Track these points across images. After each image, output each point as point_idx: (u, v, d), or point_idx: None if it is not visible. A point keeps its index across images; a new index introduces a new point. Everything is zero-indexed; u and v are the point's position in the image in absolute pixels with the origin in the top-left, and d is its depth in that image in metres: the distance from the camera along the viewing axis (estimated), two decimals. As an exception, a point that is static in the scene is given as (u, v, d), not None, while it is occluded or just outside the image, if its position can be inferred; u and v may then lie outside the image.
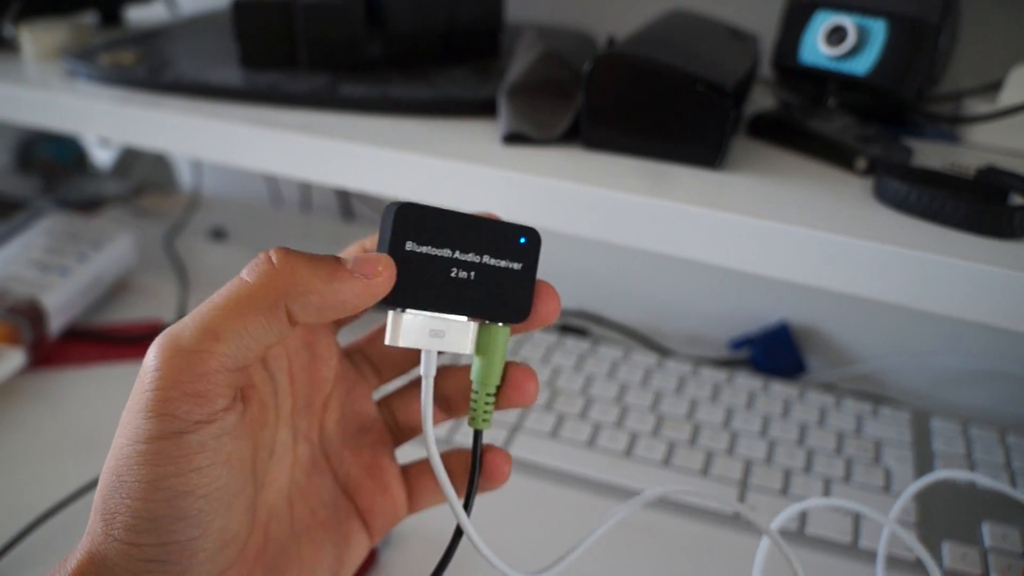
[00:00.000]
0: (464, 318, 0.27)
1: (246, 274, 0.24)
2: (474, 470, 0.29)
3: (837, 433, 0.55)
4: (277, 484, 0.29)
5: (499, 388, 0.30)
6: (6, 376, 0.56)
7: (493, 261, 0.27)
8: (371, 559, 0.45)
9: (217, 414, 0.23)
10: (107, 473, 0.24)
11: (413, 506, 0.33)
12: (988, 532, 0.47)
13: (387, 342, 0.26)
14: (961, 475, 0.44)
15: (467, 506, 0.29)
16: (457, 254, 0.26)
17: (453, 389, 0.32)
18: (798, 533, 0.47)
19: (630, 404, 0.57)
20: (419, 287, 0.26)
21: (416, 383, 0.34)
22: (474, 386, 0.29)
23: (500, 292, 0.27)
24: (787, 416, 0.57)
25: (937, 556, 0.46)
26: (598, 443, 0.54)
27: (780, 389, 0.60)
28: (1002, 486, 0.46)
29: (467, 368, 0.31)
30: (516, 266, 0.28)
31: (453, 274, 0.26)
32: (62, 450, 0.53)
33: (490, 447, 0.31)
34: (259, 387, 0.28)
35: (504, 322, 0.28)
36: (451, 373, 0.32)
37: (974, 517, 0.49)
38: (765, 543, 0.39)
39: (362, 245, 0.30)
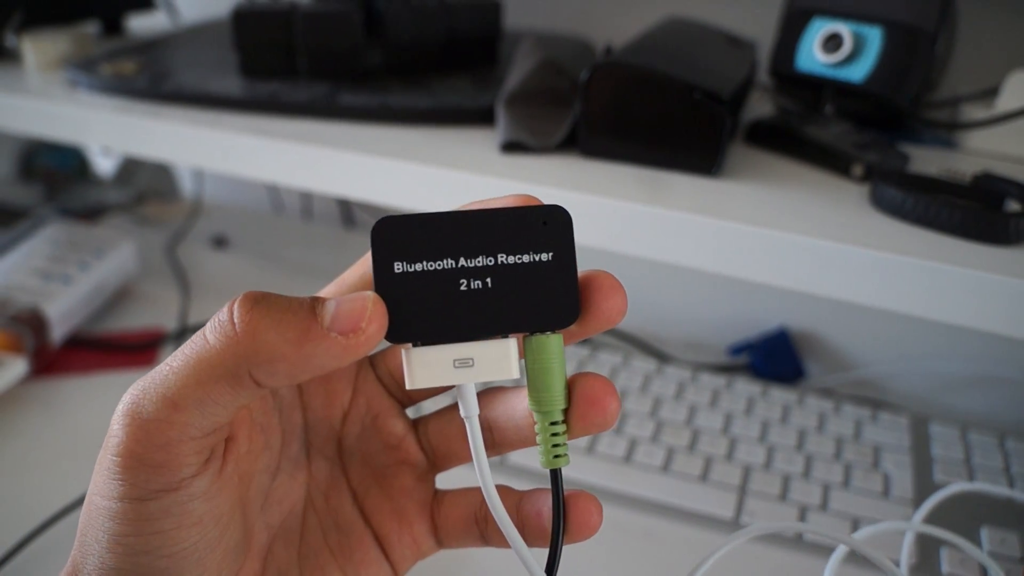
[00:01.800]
0: (494, 338, 0.22)
1: (209, 333, 0.21)
2: (557, 521, 0.24)
3: (836, 438, 0.56)
4: (287, 503, 0.27)
5: (567, 411, 0.23)
6: (8, 384, 0.56)
7: (512, 258, 0.22)
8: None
9: (182, 482, 0.21)
10: (84, 512, 0.23)
11: (443, 541, 0.28)
12: (987, 537, 0.47)
13: (407, 386, 0.22)
14: (980, 487, 0.44)
15: (551, 570, 0.24)
16: (462, 262, 0.21)
17: (505, 417, 0.26)
18: (797, 539, 0.47)
19: (629, 410, 0.58)
20: (424, 315, 0.21)
21: (453, 404, 0.28)
22: (535, 417, 0.23)
23: (534, 294, 0.22)
24: (786, 422, 0.57)
25: (935, 561, 0.46)
26: (597, 449, 0.54)
27: (779, 395, 0.60)
28: (1002, 490, 0.46)
29: (520, 389, 0.25)
30: (545, 256, 0.22)
31: (464, 287, 0.21)
32: (64, 458, 0.53)
33: (576, 493, 0.24)
34: (253, 409, 0.26)
35: (550, 329, 0.22)
36: (500, 398, 0.26)
37: (973, 522, 0.49)
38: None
39: (342, 281, 0.26)
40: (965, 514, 0.49)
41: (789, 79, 0.51)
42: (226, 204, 0.96)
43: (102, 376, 0.61)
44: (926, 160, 0.49)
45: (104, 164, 0.95)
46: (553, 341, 0.22)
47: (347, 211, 0.95)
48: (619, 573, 0.46)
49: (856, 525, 0.48)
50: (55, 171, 0.91)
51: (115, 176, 0.94)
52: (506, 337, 0.22)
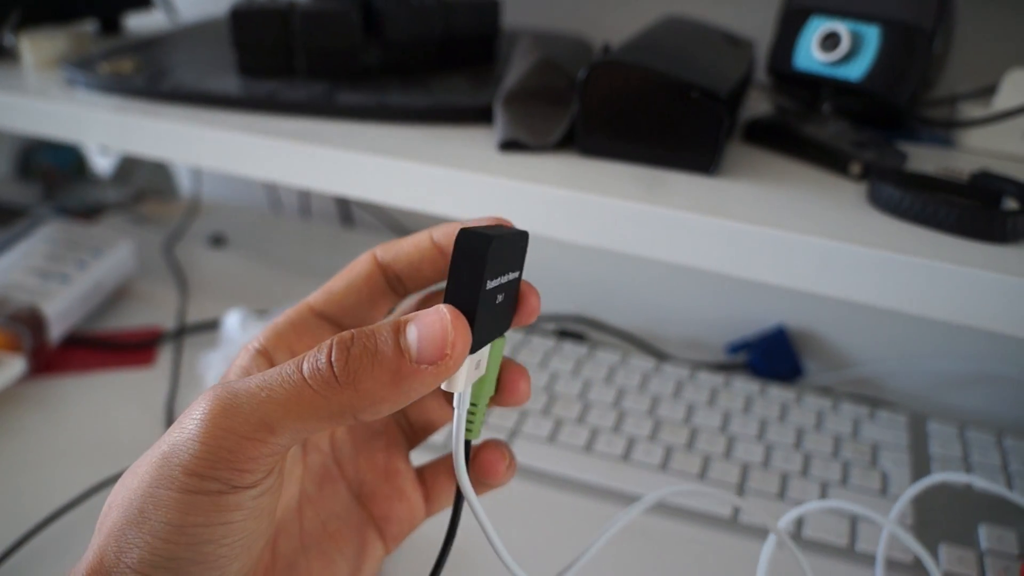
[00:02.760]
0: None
1: (308, 375, 0.22)
2: (459, 490, 0.28)
3: (834, 436, 0.56)
4: (286, 497, 0.29)
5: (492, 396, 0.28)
6: (6, 383, 0.56)
7: (512, 275, 0.25)
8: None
9: (260, 482, 0.23)
10: (128, 505, 0.23)
11: (431, 508, 0.32)
12: (985, 534, 0.48)
13: (447, 388, 0.24)
14: (958, 477, 0.45)
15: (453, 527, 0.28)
16: (508, 276, 0.25)
17: (418, 412, 0.32)
18: (795, 535, 0.48)
19: (628, 408, 0.58)
20: (484, 327, 0.24)
21: None
22: (472, 398, 0.27)
23: (509, 302, 0.26)
24: (784, 420, 0.57)
25: (934, 558, 0.46)
26: (596, 448, 0.54)
27: (777, 393, 0.60)
28: (999, 488, 0.46)
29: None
30: (516, 274, 0.26)
31: (498, 300, 0.25)
32: (62, 457, 0.53)
33: (488, 444, 0.30)
34: None
35: (503, 331, 0.27)
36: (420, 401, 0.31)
37: (971, 519, 0.49)
38: (770, 542, 0.39)
39: (329, 291, 0.29)
40: (963, 512, 0.49)
41: (787, 78, 0.51)
42: (224, 203, 0.96)
43: (100, 375, 0.61)
44: (924, 158, 0.49)
45: (102, 163, 0.95)
46: (503, 342, 0.27)
47: (345, 210, 0.95)
48: (616, 571, 0.46)
49: (854, 523, 0.48)
50: (53, 170, 0.91)
51: (113, 175, 0.94)
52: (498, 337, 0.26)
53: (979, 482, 0.46)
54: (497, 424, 0.56)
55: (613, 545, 0.47)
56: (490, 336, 0.25)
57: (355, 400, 0.22)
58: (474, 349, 0.24)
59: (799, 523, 0.48)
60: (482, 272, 0.23)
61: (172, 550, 0.22)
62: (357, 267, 0.30)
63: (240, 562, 0.23)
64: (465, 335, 0.23)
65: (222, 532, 0.22)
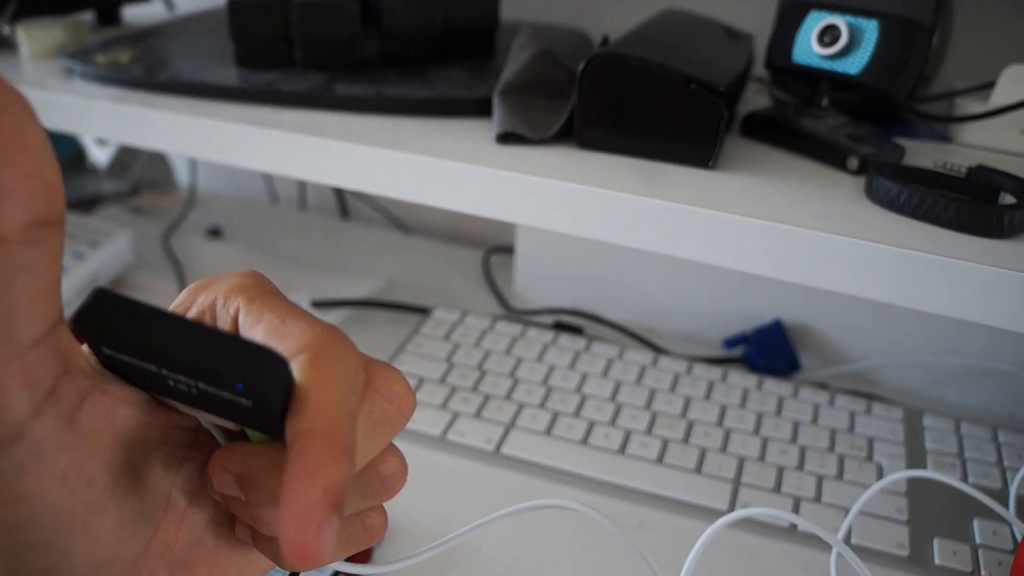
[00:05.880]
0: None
1: None
2: None
3: (830, 431, 0.56)
4: (199, 467, 0.25)
5: None
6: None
7: (211, 389, 0.20)
8: (366, 558, 0.45)
9: (23, 426, 0.19)
10: None
11: None
12: (979, 529, 0.48)
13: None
14: (921, 474, 0.45)
15: None
16: (164, 371, 0.20)
17: None
18: (791, 530, 0.48)
19: (624, 402, 0.58)
20: (141, 384, 0.22)
21: None
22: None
23: (238, 415, 0.21)
24: (780, 414, 0.57)
25: (928, 553, 0.46)
26: (592, 441, 0.54)
27: (773, 387, 0.60)
28: (979, 495, 0.47)
29: None
30: (245, 403, 0.20)
31: (171, 384, 0.21)
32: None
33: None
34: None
35: (259, 432, 0.22)
36: None
37: (965, 514, 0.49)
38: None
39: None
40: (957, 506, 0.50)
41: (785, 72, 0.51)
42: (221, 194, 0.95)
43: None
44: (921, 153, 0.49)
45: (100, 153, 0.95)
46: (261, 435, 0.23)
47: (343, 201, 0.95)
48: (614, 564, 0.46)
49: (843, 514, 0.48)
50: (50, 161, 0.90)
51: (110, 166, 0.94)
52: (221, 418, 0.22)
53: (945, 478, 0.46)
54: (494, 419, 0.56)
55: (611, 540, 0.47)
56: (187, 403, 0.22)
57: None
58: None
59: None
60: (89, 338, 0.21)
61: None
62: None
63: (83, 543, 0.21)
64: None
65: (28, 511, 0.20)
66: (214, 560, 0.25)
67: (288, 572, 0.26)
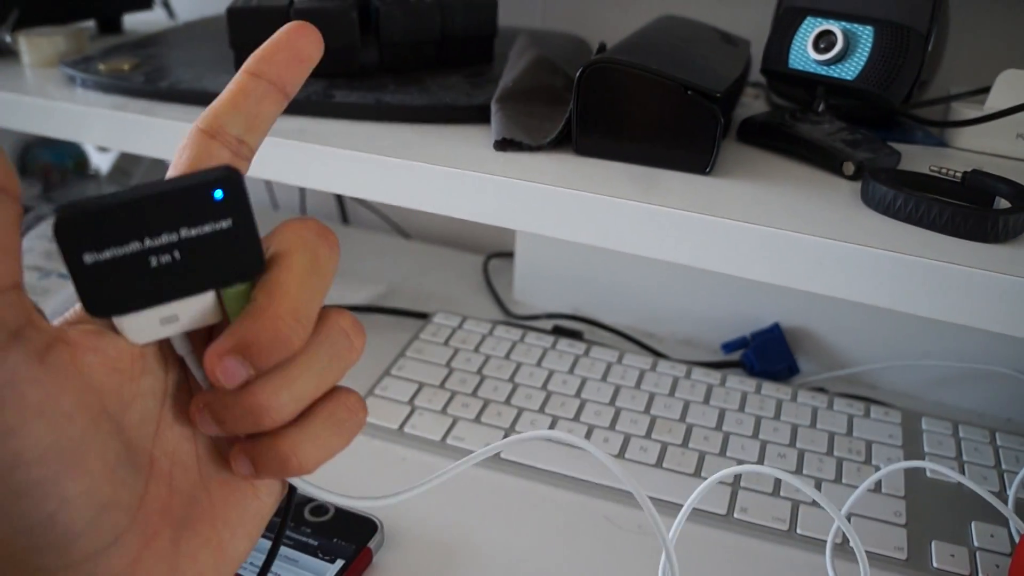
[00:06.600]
0: (191, 296, 0.25)
1: None
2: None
3: (829, 434, 0.56)
4: (178, 425, 0.26)
5: None
6: (5, 381, 0.56)
7: (194, 231, 0.24)
8: (367, 560, 0.45)
9: None
10: None
11: None
12: (976, 532, 0.48)
13: (132, 343, 0.24)
14: (914, 464, 0.45)
15: None
16: (147, 242, 0.23)
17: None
18: (789, 531, 0.48)
19: (623, 406, 0.58)
20: (121, 292, 0.23)
21: None
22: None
23: (221, 255, 0.24)
24: (779, 418, 0.58)
25: (926, 555, 0.46)
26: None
27: (772, 391, 0.60)
28: (981, 491, 0.47)
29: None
30: (225, 224, 0.24)
31: (154, 264, 0.23)
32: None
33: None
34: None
35: (240, 281, 0.25)
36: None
37: (963, 517, 0.49)
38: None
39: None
40: (955, 509, 0.50)
41: (782, 77, 0.52)
42: (222, 201, 0.96)
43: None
44: (917, 158, 0.50)
45: (102, 159, 0.95)
46: (245, 289, 0.25)
47: (343, 207, 0.95)
48: (613, 566, 0.46)
49: (849, 520, 0.49)
50: (51, 168, 0.91)
51: (111, 173, 0.94)
52: (203, 293, 0.25)
53: (938, 469, 0.46)
54: (494, 424, 0.56)
55: (610, 543, 0.47)
56: (163, 295, 0.24)
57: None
58: (123, 310, 0.24)
59: (793, 521, 0.49)
60: (64, 252, 0.23)
61: None
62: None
63: (77, 484, 0.21)
64: None
65: (13, 447, 0.20)
66: (214, 515, 0.26)
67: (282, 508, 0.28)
